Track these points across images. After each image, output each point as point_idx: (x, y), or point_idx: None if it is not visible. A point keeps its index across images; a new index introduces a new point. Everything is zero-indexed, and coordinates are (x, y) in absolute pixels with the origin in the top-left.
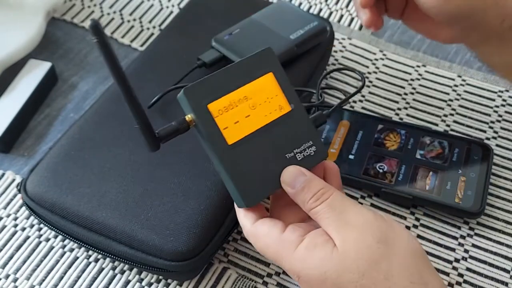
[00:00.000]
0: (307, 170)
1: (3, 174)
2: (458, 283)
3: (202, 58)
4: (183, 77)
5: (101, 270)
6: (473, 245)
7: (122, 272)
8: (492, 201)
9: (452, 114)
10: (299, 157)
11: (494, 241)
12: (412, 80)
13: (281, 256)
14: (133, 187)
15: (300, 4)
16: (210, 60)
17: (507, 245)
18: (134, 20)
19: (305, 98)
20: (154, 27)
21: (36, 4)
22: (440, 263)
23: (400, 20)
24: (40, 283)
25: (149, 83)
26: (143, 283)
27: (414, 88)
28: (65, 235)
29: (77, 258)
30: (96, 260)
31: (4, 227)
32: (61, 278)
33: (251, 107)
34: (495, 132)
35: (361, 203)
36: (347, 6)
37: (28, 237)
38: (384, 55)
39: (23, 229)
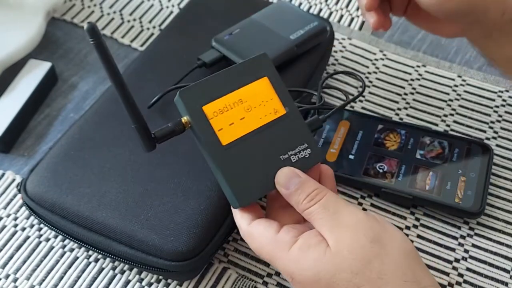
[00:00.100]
0: (301, 171)
1: (3, 174)
2: (458, 283)
3: (202, 58)
4: (183, 77)
5: (101, 270)
6: (473, 245)
7: (122, 272)
8: (492, 201)
9: (452, 114)
10: (294, 159)
11: (494, 241)
12: (412, 80)
13: (275, 257)
14: (133, 187)
15: (300, 4)
16: (210, 60)
17: (507, 245)
18: (134, 20)
19: (305, 98)
20: (154, 27)
21: (36, 4)
22: (440, 263)
23: (403, 17)
24: (40, 283)
25: (149, 83)
26: (143, 283)
27: (414, 88)
28: (65, 235)
29: (77, 258)
30: (96, 260)
31: (4, 227)
32: (61, 278)
33: (246, 110)
34: (495, 132)
35: (361, 203)
36: (347, 6)
37: (28, 237)
38: (384, 55)
39: (23, 229)
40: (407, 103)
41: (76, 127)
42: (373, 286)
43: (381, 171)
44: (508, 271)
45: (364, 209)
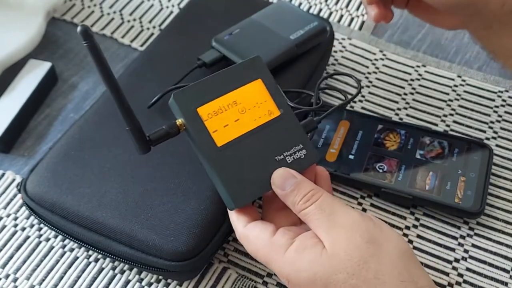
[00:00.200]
0: (297, 172)
1: (3, 174)
2: (458, 283)
3: (202, 58)
4: (183, 77)
5: (101, 270)
6: (473, 245)
7: (122, 272)
8: (492, 201)
9: (452, 114)
10: (289, 160)
11: (494, 241)
12: (412, 80)
13: (271, 259)
14: (133, 187)
15: (300, 4)
16: (210, 60)
17: (507, 245)
18: (134, 20)
19: (304, 99)
20: (154, 27)
21: (36, 4)
22: (440, 263)
23: (405, 9)
24: (40, 283)
25: (149, 83)
26: (143, 283)
27: (414, 88)
28: (65, 235)
29: (77, 258)
30: (96, 260)
31: (4, 227)
32: (61, 278)
33: (240, 112)
34: (495, 132)
35: (361, 203)
36: (347, 6)
37: (28, 237)
38: (384, 55)
39: (23, 229)
40: (407, 103)
41: (76, 127)
42: (370, 287)
43: (381, 171)
44: (507, 271)
45: (364, 209)
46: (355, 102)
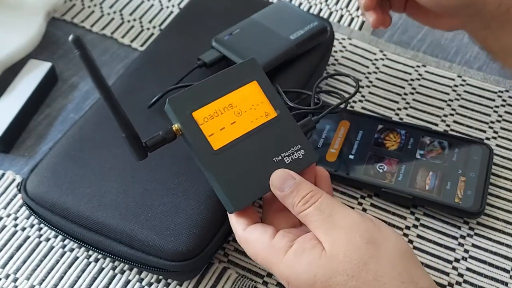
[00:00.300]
0: (295, 173)
1: (3, 174)
2: (458, 283)
3: (202, 58)
4: (183, 77)
5: (101, 270)
6: (473, 245)
7: (122, 272)
8: (492, 201)
9: (452, 114)
10: (287, 161)
11: (494, 241)
12: (412, 80)
13: (271, 262)
14: (133, 187)
15: (300, 4)
16: (210, 60)
17: (507, 245)
18: (134, 20)
19: (304, 99)
20: (154, 27)
21: (36, 4)
22: (440, 263)
23: (404, 13)
24: (40, 283)
25: (149, 83)
26: (143, 283)
27: (414, 88)
28: (65, 235)
29: (77, 258)
30: (96, 260)
31: (4, 227)
32: (61, 278)
33: (236, 114)
34: (495, 132)
35: (361, 203)
36: (347, 6)
37: (28, 237)
38: (384, 55)
39: (23, 229)
40: (407, 103)
41: (76, 127)
42: None
43: (381, 171)
44: (508, 271)
45: (364, 209)
46: (355, 102)
